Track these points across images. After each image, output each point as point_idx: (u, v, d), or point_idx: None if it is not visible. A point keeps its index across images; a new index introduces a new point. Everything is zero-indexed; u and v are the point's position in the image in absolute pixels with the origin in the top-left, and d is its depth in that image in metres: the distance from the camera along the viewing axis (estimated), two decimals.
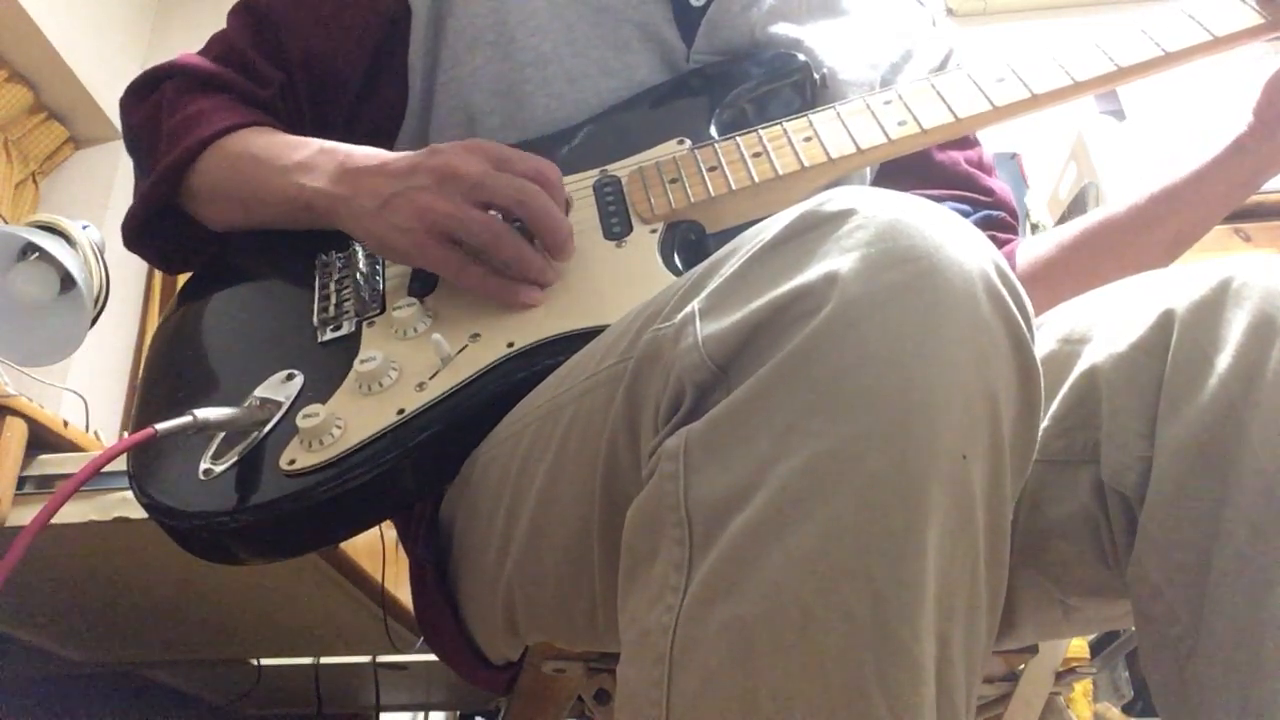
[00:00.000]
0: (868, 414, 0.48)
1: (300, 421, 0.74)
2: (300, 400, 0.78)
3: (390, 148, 0.88)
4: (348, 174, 0.85)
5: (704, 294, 0.56)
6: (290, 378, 0.80)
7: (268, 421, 0.76)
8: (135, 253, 1.00)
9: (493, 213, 0.80)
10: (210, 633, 2.09)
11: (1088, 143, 2.16)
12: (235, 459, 0.75)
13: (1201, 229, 0.92)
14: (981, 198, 1.05)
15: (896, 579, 0.47)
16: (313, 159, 0.88)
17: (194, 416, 0.72)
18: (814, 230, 0.53)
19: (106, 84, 3.40)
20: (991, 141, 1.12)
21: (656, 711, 0.49)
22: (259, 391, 0.79)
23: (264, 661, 2.30)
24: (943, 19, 1.12)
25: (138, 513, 1.43)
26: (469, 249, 0.80)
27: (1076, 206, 2.15)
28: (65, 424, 1.58)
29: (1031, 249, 1.00)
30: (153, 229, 0.98)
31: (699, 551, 0.50)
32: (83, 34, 3.34)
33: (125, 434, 0.77)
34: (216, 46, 1.02)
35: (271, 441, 0.76)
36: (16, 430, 1.47)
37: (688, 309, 0.56)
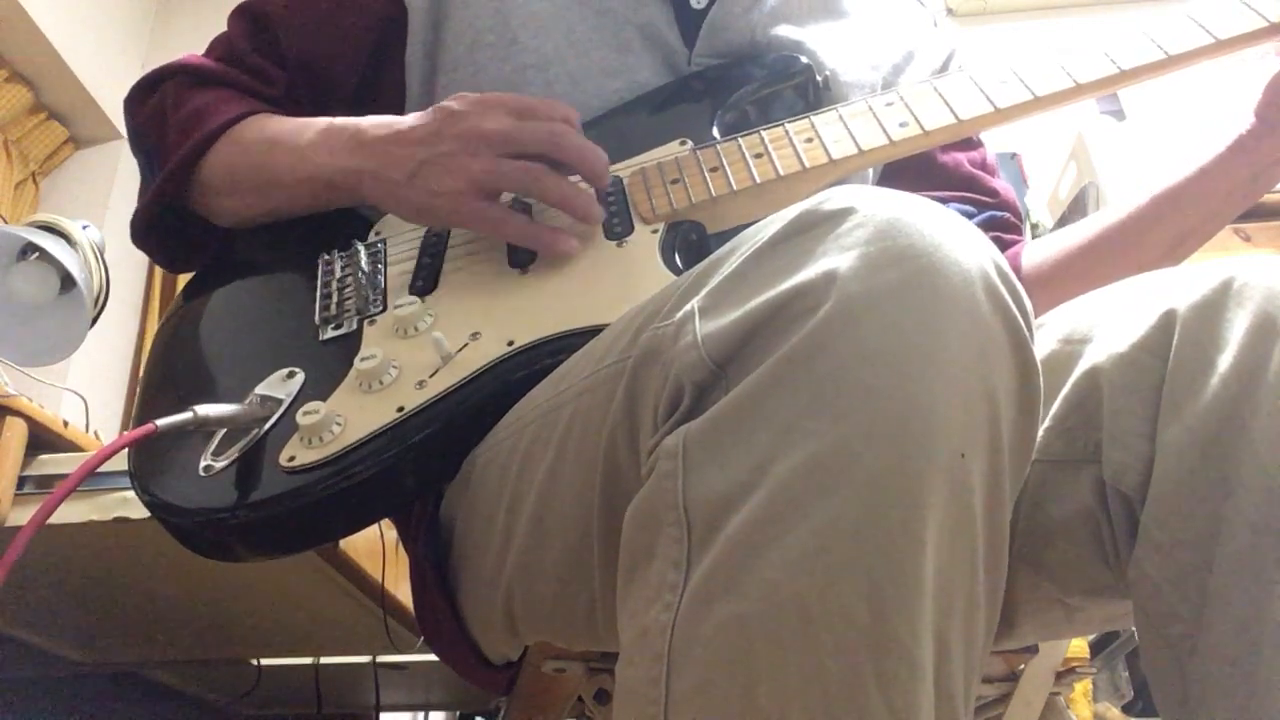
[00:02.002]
0: (866, 413, 0.48)
1: (300, 419, 0.74)
2: (301, 398, 0.78)
3: None
4: (364, 146, 0.85)
5: (703, 292, 0.55)
6: (291, 375, 0.80)
7: (268, 419, 0.76)
8: (143, 250, 1.00)
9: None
10: (210, 633, 2.09)
11: (1088, 143, 2.16)
12: (236, 456, 0.75)
13: (1205, 231, 0.92)
14: (986, 199, 1.05)
15: (895, 578, 0.47)
16: (325, 137, 0.88)
17: (195, 413, 0.72)
18: (813, 229, 0.53)
19: (106, 84, 3.40)
20: (991, 141, 1.12)
21: (655, 710, 0.49)
22: (260, 389, 0.79)
23: (264, 661, 2.30)
24: (942, 19, 1.12)
25: (138, 513, 1.44)
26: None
27: (1076, 206, 2.15)
28: (65, 424, 1.58)
29: (1036, 252, 1.00)
30: (160, 227, 0.98)
31: (697, 550, 0.50)
32: (83, 34, 3.34)
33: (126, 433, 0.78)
34: (218, 49, 1.02)
35: (272, 439, 0.76)
36: (16, 430, 1.47)
37: (687, 307, 0.56)
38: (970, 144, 1.08)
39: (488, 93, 0.84)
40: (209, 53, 1.03)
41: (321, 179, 0.88)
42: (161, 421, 0.71)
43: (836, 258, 0.51)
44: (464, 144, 0.80)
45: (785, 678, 0.46)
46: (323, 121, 0.90)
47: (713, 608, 0.48)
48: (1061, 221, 2.18)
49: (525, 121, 0.81)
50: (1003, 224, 1.04)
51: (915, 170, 1.01)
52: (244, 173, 0.93)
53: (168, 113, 0.98)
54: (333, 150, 0.87)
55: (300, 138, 0.90)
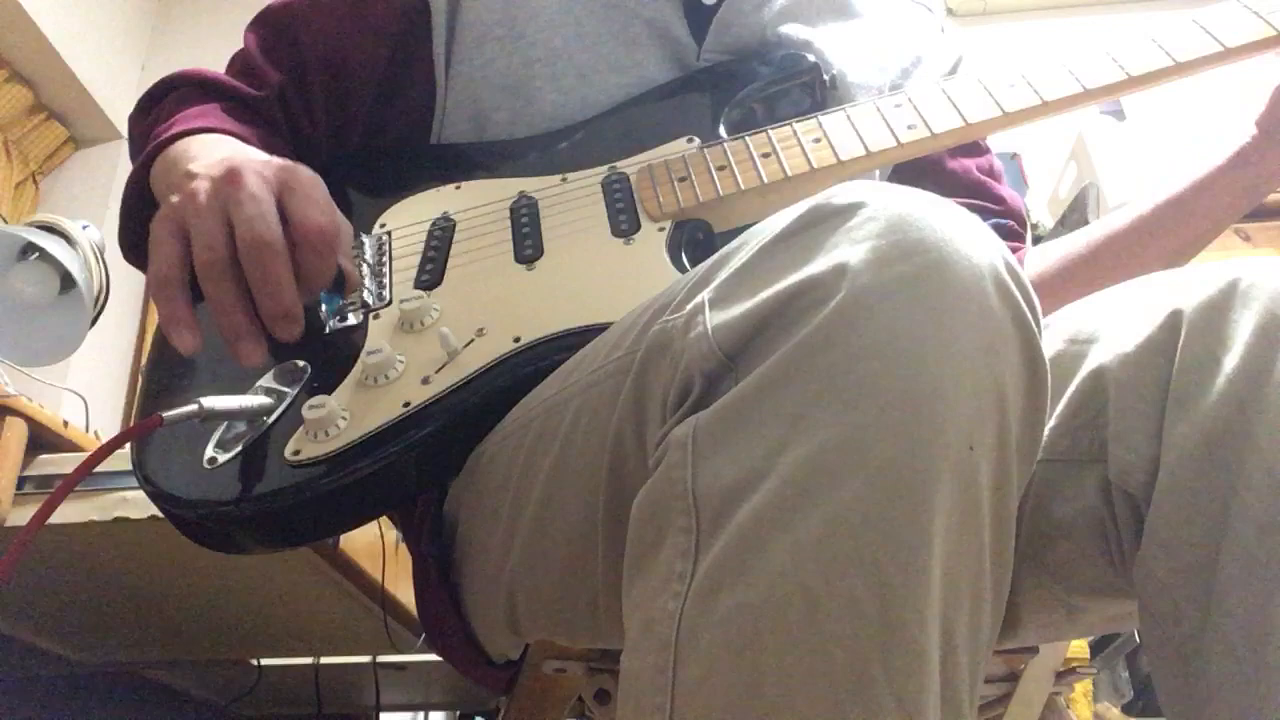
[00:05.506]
0: (875, 404, 0.48)
1: (306, 412, 0.74)
2: (306, 391, 0.78)
3: (425, 143, 0.87)
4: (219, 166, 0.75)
5: (714, 284, 0.56)
6: (296, 368, 0.80)
7: (273, 411, 0.76)
8: (132, 264, 0.97)
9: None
10: (210, 633, 2.09)
11: (1088, 143, 2.17)
12: (240, 448, 0.75)
13: (1205, 239, 0.93)
14: (992, 206, 1.06)
15: (902, 568, 0.47)
16: (209, 159, 0.78)
17: (200, 405, 0.72)
18: (824, 222, 0.54)
19: (106, 84, 3.40)
20: (992, 142, 1.13)
21: (661, 699, 0.49)
22: (264, 381, 0.79)
23: (264, 661, 2.30)
24: (944, 20, 1.13)
25: (138, 513, 1.44)
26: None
27: (1076, 206, 2.15)
28: (65, 424, 1.58)
29: (1038, 259, 1.00)
30: (137, 235, 0.97)
31: (706, 539, 0.50)
32: (83, 34, 3.34)
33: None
34: (237, 63, 1.01)
35: (277, 431, 0.76)
36: (16, 430, 1.47)
37: (697, 299, 0.56)
38: (977, 150, 1.09)
39: (300, 167, 0.75)
40: (228, 68, 1.01)
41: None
42: (167, 414, 0.71)
43: (847, 250, 0.51)
44: (221, 173, 0.72)
45: (792, 667, 0.46)
46: (228, 148, 0.84)
47: (720, 597, 0.48)
48: (1061, 221, 2.18)
49: (263, 207, 0.70)
50: (1007, 231, 1.05)
51: (923, 176, 1.02)
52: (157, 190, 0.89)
53: (154, 126, 0.96)
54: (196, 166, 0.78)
55: (191, 160, 0.81)
